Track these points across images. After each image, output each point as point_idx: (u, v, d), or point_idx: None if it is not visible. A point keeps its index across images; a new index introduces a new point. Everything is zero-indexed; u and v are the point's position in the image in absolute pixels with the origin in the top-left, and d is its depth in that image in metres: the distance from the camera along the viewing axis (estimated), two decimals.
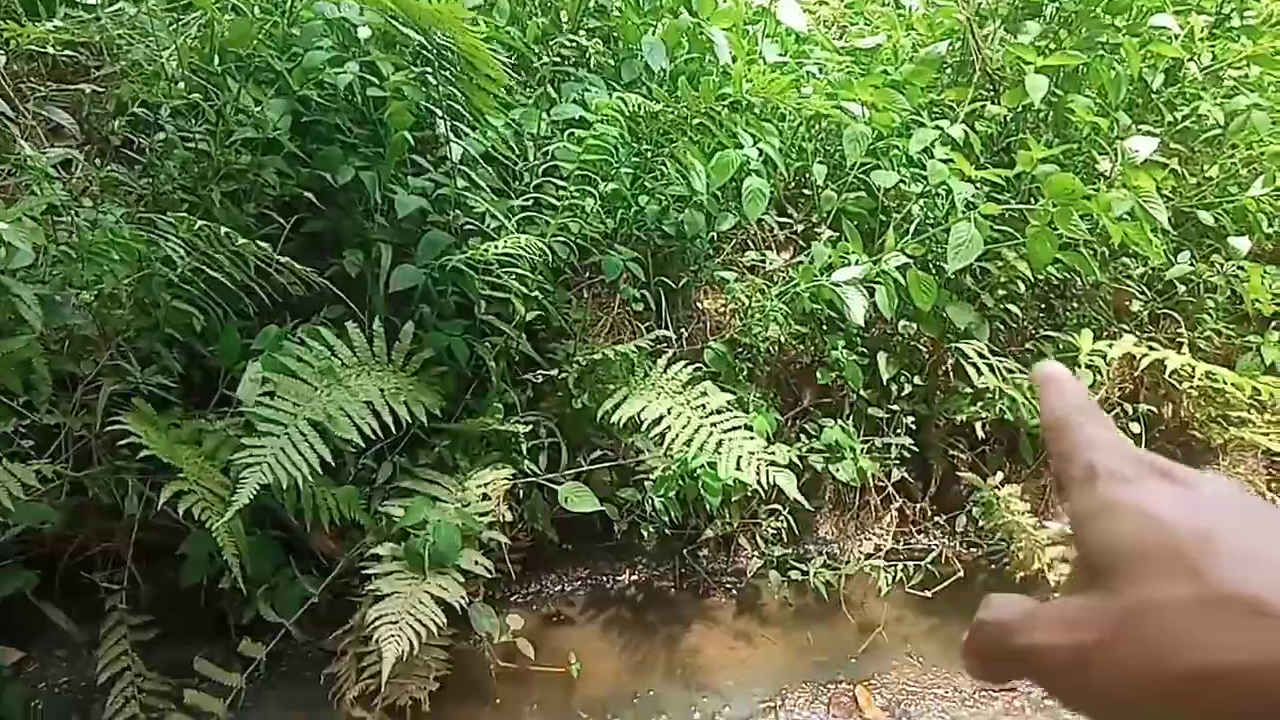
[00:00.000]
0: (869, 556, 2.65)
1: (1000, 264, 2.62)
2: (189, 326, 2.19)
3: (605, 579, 2.63)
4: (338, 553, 2.37)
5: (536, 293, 2.19)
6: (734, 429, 2.16)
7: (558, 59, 2.51)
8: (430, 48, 1.88)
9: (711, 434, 2.14)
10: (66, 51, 2.61)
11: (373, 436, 1.95)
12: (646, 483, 2.35)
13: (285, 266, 1.99)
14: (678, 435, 2.13)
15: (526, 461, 2.27)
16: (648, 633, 2.49)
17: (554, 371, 2.30)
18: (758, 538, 2.58)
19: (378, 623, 1.86)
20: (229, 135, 2.20)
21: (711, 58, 2.56)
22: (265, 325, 2.23)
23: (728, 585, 2.64)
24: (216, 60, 2.29)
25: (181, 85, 2.41)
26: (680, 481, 2.21)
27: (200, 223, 1.86)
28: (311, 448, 1.81)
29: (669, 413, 2.15)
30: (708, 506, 2.33)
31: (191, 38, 2.39)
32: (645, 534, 2.41)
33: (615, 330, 2.53)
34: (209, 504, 1.85)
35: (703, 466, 2.15)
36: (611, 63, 2.62)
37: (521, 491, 2.31)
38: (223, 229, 1.98)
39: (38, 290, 2.04)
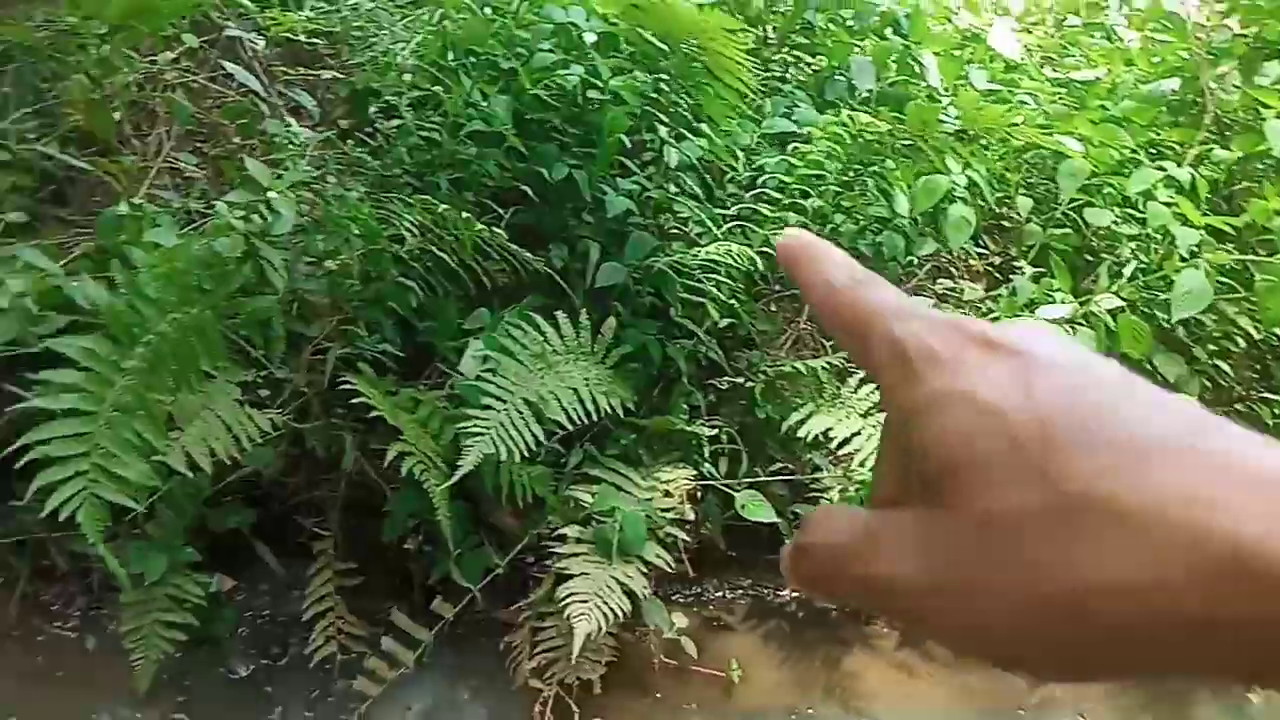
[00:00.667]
0: None
1: (1216, 317, 2.48)
2: (406, 302, 2.36)
3: (766, 591, 2.65)
4: (517, 528, 2.48)
5: (733, 300, 2.25)
6: None
7: (766, 73, 2.56)
8: (672, 55, 1.97)
9: None
10: (311, 39, 2.85)
11: (578, 422, 2.05)
12: (821, 500, 2.35)
13: (509, 252, 2.11)
14: (867, 457, 2.13)
15: (706, 464, 2.32)
16: (807, 650, 2.49)
17: (740, 379, 2.34)
18: None
19: (568, 600, 1.94)
20: (459, 127, 2.35)
21: (917, 81, 2.56)
22: (475, 308, 2.37)
23: None
24: (450, 55, 2.45)
25: (408, 77, 2.60)
26: (860, 504, 2.20)
27: (442, 206, 1.99)
28: (527, 426, 1.92)
29: (859, 434, 2.16)
30: None
31: (425, 33, 2.58)
32: None
33: (797, 345, 2.55)
34: (426, 466, 1.98)
35: None
36: (812, 80, 2.65)
37: (698, 493, 2.36)
38: (442, 208, 2.12)
39: (283, 256, 2.25)
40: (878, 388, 0.34)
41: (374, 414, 2.24)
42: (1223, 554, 0.26)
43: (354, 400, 2.35)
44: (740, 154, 2.29)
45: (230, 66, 2.46)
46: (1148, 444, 0.28)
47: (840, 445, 2.16)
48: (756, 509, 2.24)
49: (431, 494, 1.96)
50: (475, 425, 1.90)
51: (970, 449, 0.29)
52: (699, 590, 2.62)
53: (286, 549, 2.51)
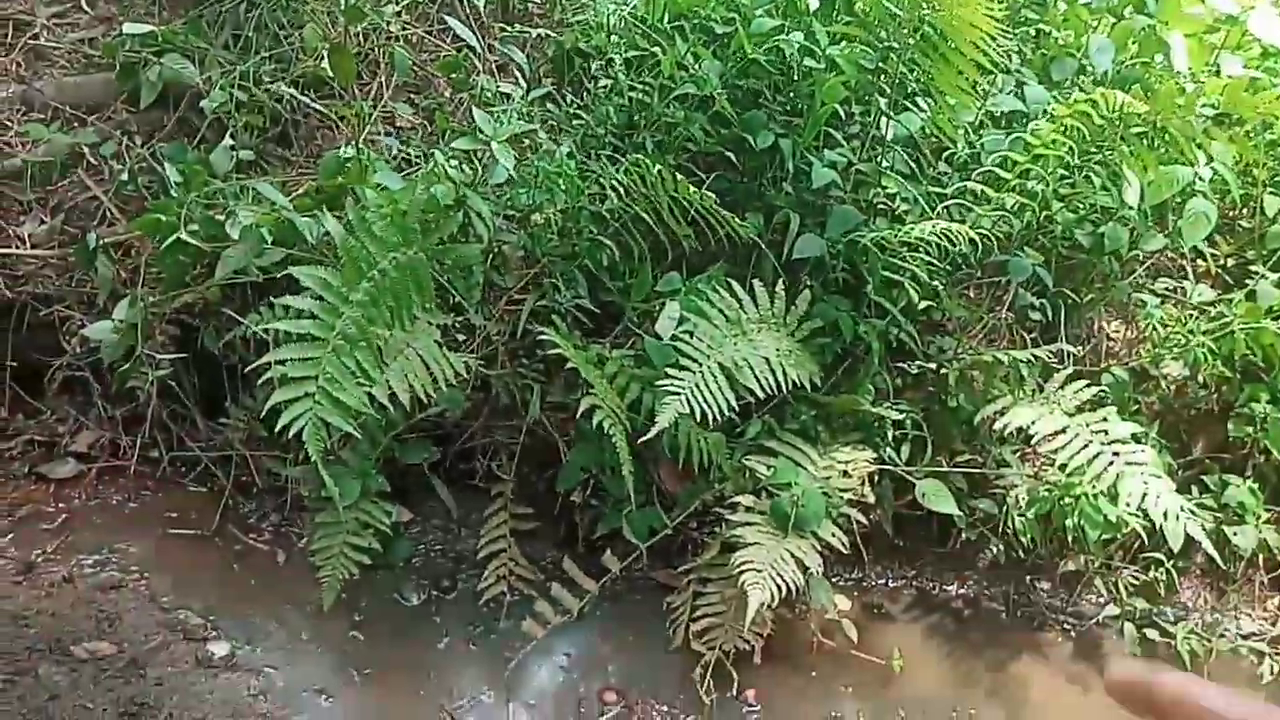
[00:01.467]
0: (1247, 637, 2.37)
1: None
2: (600, 260, 2.39)
3: (932, 585, 2.57)
4: (680, 491, 2.49)
5: (937, 282, 2.16)
6: (1138, 463, 2.00)
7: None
8: (910, 23, 1.89)
9: (1112, 464, 2.00)
10: None
11: (768, 391, 2.03)
12: (1008, 498, 2.25)
13: (715, 217, 2.09)
14: (1072, 457, 2.02)
15: (888, 448, 2.26)
16: (972, 650, 2.41)
17: (931, 365, 2.26)
18: (1118, 584, 2.40)
19: (743, 568, 1.94)
20: (668, 89, 2.35)
21: (1156, 65, 2.37)
22: (666, 272, 2.38)
23: (1065, 625, 2.48)
24: (665, 18, 2.45)
25: (615, 39, 2.61)
26: (1057, 505, 2.09)
27: (657, 167, 2.00)
28: (720, 390, 1.92)
29: (1064, 431, 2.04)
30: (1070, 538, 2.20)
31: None
32: (993, 550, 2.32)
33: (992, 334, 2.44)
34: (614, 421, 2.01)
35: (1086, 495, 2.03)
36: (1037, 58, 2.50)
37: (875, 477, 2.30)
38: (658, 169, 2.13)
39: (491, 207, 2.32)
40: None
41: (556, 366, 2.30)
42: None
43: (541, 351, 2.42)
44: (962, 132, 2.19)
45: (450, 21, 2.54)
46: None
47: (1040, 442, 2.05)
48: (939, 499, 2.17)
49: (617, 448, 1.98)
50: (671, 385, 1.91)
51: None
52: (860, 575, 2.57)
53: (460, 488, 2.62)
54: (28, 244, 2.66)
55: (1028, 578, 2.52)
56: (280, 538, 2.56)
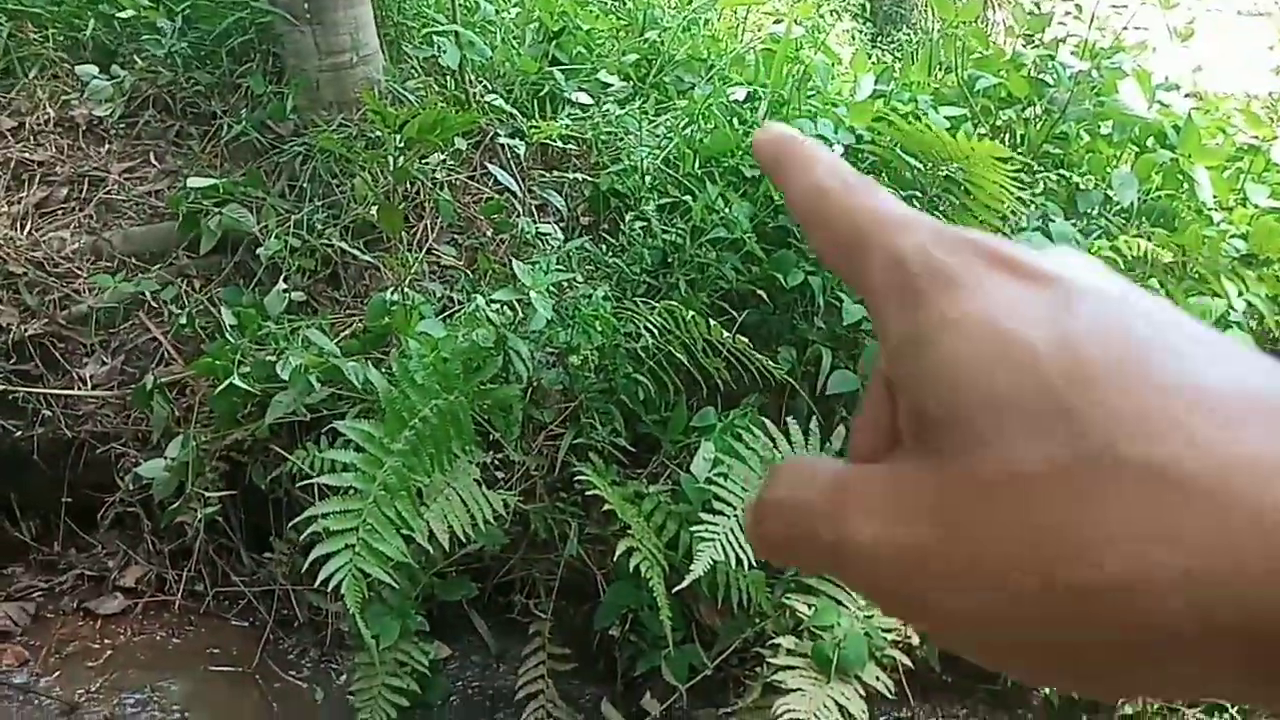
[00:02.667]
0: None
1: None
2: (636, 396, 2.44)
3: None
4: (721, 627, 2.46)
5: None
6: None
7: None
8: (926, 174, 1.97)
9: None
10: (565, 144, 3.06)
11: None
12: None
13: (744, 356, 2.14)
14: None
15: None
16: None
17: None
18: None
19: (784, 716, 1.89)
20: (700, 231, 2.44)
21: (1183, 196, 2.41)
22: (701, 406, 2.42)
23: None
24: (695, 163, 2.56)
25: (646, 179, 2.73)
26: None
27: (690, 313, 2.06)
28: None
29: None
30: None
31: (674, 138, 2.70)
32: (1046, 691, 2.24)
33: None
34: (651, 563, 2.01)
35: None
36: (1063, 190, 2.55)
37: None
38: (691, 314, 2.20)
39: (530, 347, 2.39)
40: (871, 313, 0.28)
41: (594, 500, 2.32)
42: None
43: (578, 485, 2.45)
44: None
45: (492, 168, 2.68)
46: (1210, 394, 0.22)
47: None
48: None
49: (655, 592, 1.98)
50: (705, 530, 1.91)
51: (983, 387, 0.23)
52: (910, 715, 2.48)
53: (498, 622, 2.61)
54: (89, 384, 2.79)
55: (1084, 717, 2.41)
56: (319, 674, 2.56)
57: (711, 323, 2.06)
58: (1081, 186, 2.43)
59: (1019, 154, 2.48)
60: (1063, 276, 0.25)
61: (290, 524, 2.64)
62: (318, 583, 1.83)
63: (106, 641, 2.60)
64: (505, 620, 2.61)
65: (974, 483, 0.23)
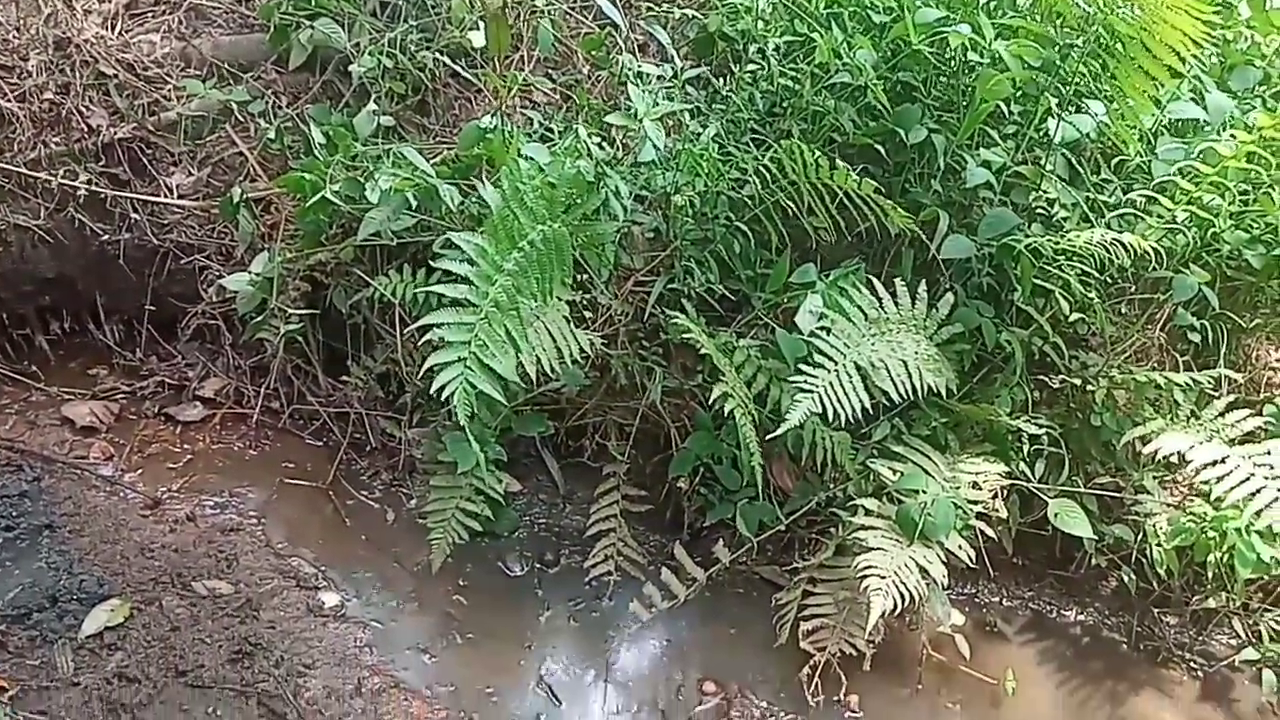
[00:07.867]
0: None
1: None
2: (732, 248, 2.36)
3: (1049, 608, 2.47)
4: (792, 490, 2.44)
5: (1093, 294, 2.06)
6: None
7: None
8: (1098, 19, 1.80)
9: (1277, 500, 1.88)
10: None
11: (904, 396, 1.97)
12: (1146, 525, 2.14)
13: (876, 205, 2.02)
14: (1230, 490, 1.90)
15: (1021, 463, 2.17)
16: (1090, 680, 2.30)
17: (1076, 380, 2.16)
18: (1259, 627, 2.26)
19: (866, 573, 1.88)
20: (819, 77, 2.29)
21: None
22: (798, 264, 2.33)
23: (1192, 664, 2.36)
24: (822, 5, 2.39)
25: (762, 24, 2.56)
26: (1201, 538, 1.98)
27: (816, 154, 1.95)
28: (855, 391, 1.87)
29: (1223, 461, 1.93)
30: (1210, 573, 2.08)
31: None
32: (1118, 578, 2.21)
33: (1142, 353, 2.32)
34: (744, 410, 1.97)
35: (1240, 531, 1.91)
36: (1216, 65, 2.36)
37: (1005, 492, 2.22)
38: (816, 155, 2.05)
39: (629, 186, 2.30)
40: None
41: (677, 350, 2.27)
42: None
43: (664, 334, 2.40)
44: (1138, 138, 2.08)
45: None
46: None
47: (1195, 471, 1.94)
48: (1072, 520, 2.07)
49: (745, 439, 1.95)
50: (804, 382, 1.86)
51: None
52: (973, 591, 2.48)
53: (568, 464, 2.63)
54: (175, 194, 2.77)
55: (1155, 610, 2.40)
56: (390, 496, 2.61)
57: (839, 163, 1.96)
58: (1236, 62, 2.24)
59: None
60: None
61: (368, 347, 2.64)
62: (432, 390, 1.79)
63: (186, 446, 2.66)
64: (575, 464, 2.62)
65: None
